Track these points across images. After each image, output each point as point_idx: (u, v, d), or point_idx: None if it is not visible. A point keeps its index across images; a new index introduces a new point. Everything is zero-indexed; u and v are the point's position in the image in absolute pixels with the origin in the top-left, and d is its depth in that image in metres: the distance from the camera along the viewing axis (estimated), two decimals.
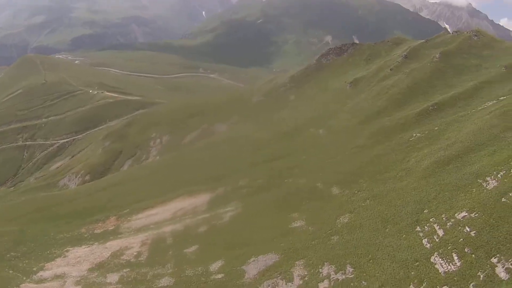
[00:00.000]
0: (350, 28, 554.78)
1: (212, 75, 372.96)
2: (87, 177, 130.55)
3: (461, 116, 58.25)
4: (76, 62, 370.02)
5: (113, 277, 54.55)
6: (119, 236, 65.71)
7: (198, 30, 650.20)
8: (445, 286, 29.27)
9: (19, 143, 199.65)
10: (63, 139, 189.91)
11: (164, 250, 54.08)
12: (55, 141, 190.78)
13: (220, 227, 54.06)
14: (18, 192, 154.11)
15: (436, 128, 57.91)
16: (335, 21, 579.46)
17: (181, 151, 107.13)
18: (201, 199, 65.64)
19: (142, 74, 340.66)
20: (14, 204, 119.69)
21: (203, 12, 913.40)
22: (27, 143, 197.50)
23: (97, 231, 71.74)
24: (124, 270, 54.34)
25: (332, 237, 41.62)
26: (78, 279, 58.65)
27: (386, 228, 39.02)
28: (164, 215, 65.02)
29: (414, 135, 59.13)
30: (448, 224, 34.40)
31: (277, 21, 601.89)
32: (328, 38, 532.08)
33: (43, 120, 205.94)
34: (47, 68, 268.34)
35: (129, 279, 52.19)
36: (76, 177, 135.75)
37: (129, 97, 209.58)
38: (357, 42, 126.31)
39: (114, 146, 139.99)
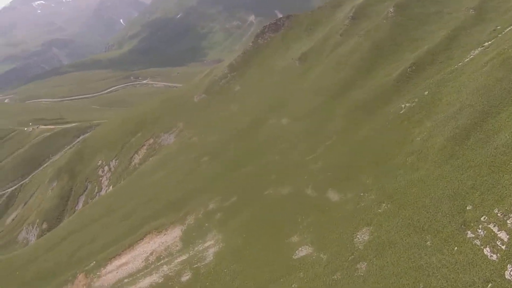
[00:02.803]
0: (271, 3, 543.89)
1: (144, 81, 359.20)
2: (44, 225, 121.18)
3: (449, 73, 48.49)
4: (6, 101, 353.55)
5: None
6: None
7: (121, 39, 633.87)
8: None
9: None
10: (10, 187, 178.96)
11: None
12: (3, 191, 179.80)
13: (206, 272, 43.35)
14: None
15: (426, 92, 47.77)
16: None
17: (133, 176, 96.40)
18: (172, 235, 55.04)
19: (75, 97, 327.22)
20: None
21: (121, 20, 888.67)
22: None
23: None
24: None
25: (358, 265, 30.66)
26: None
27: (426, 241, 28.51)
28: (136, 263, 54.70)
29: (403, 105, 48.62)
30: (508, 221, 24.86)
31: (196, 12, 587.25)
32: (251, 18, 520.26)
33: None
34: None
35: None
36: (33, 227, 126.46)
37: (66, 125, 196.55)
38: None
39: (62, 185, 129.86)
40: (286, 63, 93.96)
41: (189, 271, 45.24)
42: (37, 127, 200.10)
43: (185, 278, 44.69)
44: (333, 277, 31.27)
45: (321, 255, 34.59)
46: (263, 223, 44.97)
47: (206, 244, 47.63)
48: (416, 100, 47.62)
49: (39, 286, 72.32)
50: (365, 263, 30.38)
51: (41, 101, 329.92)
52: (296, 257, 36.65)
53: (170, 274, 46.96)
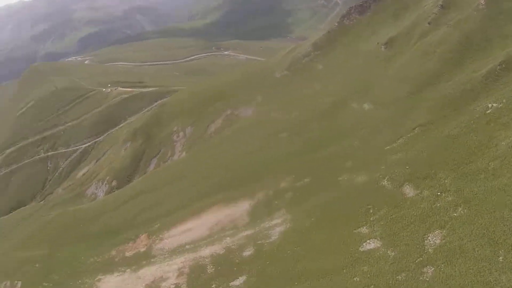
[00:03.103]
0: None
1: (226, 53, 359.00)
2: (114, 183, 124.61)
3: None
4: (86, 62, 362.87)
5: None
6: (152, 260, 57.22)
7: (204, 9, 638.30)
8: None
9: (41, 155, 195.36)
10: (85, 143, 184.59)
11: (205, 283, 44.66)
12: (77, 147, 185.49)
13: (270, 250, 42.72)
14: (48, 206, 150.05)
15: None
16: None
17: (207, 144, 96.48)
18: (240, 208, 54.71)
19: (155, 63, 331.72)
20: (42, 224, 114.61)
21: None
22: (49, 153, 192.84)
23: (128, 253, 63.85)
24: None
25: (425, 269, 28.78)
26: None
27: (498, 256, 26.19)
28: (200, 231, 55.32)
29: (490, 105, 44.43)
30: None
31: None
32: None
33: (61, 127, 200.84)
34: (56, 74, 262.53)
35: None
36: (103, 184, 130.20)
37: (145, 89, 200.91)
38: None
39: (136, 146, 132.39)
40: (371, 47, 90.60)
41: (252, 246, 44.97)
42: (116, 89, 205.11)
43: (247, 253, 44.56)
44: (397, 277, 29.83)
45: (389, 252, 32.98)
46: (333, 209, 43.59)
47: (273, 222, 46.75)
48: (504, 101, 43.86)
49: (102, 241, 74.83)
50: (432, 268, 28.65)
51: (120, 64, 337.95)
52: (363, 249, 35.20)
53: (233, 247, 46.68)
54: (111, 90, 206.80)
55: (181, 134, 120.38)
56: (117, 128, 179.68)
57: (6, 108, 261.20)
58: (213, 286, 43.24)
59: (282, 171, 57.83)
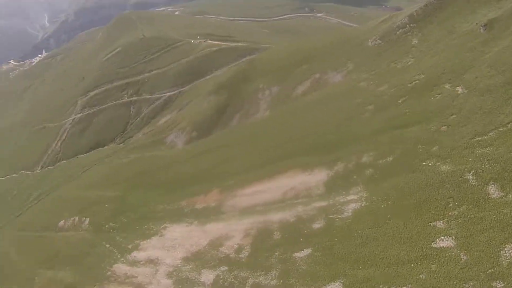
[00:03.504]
0: None
1: (319, 15, 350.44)
2: (194, 134, 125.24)
3: None
4: (176, 13, 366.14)
5: (208, 275, 45.65)
6: (221, 216, 56.75)
7: None
8: None
9: (124, 100, 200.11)
10: (169, 92, 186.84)
11: (269, 249, 43.19)
12: (161, 95, 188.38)
13: (340, 227, 40.11)
14: (127, 149, 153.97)
15: None
16: None
17: (292, 106, 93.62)
18: (316, 177, 51.54)
19: (245, 19, 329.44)
20: (118, 166, 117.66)
21: None
22: (133, 98, 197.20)
23: (198, 206, 63.82)
24: (221, 268, 45.03)
25: (494, 283, 25.95)
26: (171, 269, 51.90)
27: None
28: (273, 194, 53.22)
29: None
30: None
31: None
32: None
33: (146, 74, 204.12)
34: (144, 23, 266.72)
35: (225, 284, 42.71)
36: (182, 133, 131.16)
37: (234, 44, 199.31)
38: None
39: (220, 99, 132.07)
40: (469, 27, 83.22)
41: (323, 219, 42.46)
42: (204, 41, 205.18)
43: (316, 225, 42.11)
44: (464, 284, 27.21)
45: (461, 255, 29.82)
46: (412, 195, 39.54)
47: (349, 198, 43.80)
48: None
49: (174, 190, 75.37)
50: (502, 284, 25.76)
51: (210, 17, 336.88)
52: (435, 245, 32.06)
53: (304, 216, 44.55)
54: (199, 42, 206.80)
55: (266, 92, 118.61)
56: (202, 79, 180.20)
57: (94, 52, 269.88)
58: (277, 253, 41.77)
59: (366, 145, 54.25)
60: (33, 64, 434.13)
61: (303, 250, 39.89)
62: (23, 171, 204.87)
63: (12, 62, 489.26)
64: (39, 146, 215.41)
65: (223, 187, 63.46)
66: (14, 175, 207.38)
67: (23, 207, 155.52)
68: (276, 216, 47.51)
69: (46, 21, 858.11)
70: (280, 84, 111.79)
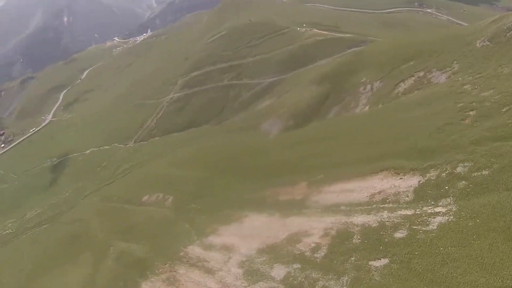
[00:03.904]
0: None
1: (428, 10, 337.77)
2: (291, 122, 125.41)
3: None
4: (284, 0, 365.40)
5: (279, 271, 44.47)
6: (303, 211, 54.67)
7: None
8: None
9: (224, 83, 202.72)
10: (270, 78, 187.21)
11: (346, 253, 40.79)
12: (262, 81, 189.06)
13: (422, 240, 36.67)
14: (220, 131, 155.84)
15: None
16: None
17: (392, 104, 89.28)
18: (408, 182, 47.87)
19: (352, 9, 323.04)
20: (209, 148, 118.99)
21: None
22: (233, 82, 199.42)
23: (282, 197, 62.63)
24: (294, 266, 43.56)
25: None
26: (244, 259, 51.20)
27: None
28: (360, 195, 50.37)
29: None
30: None
31: None
32: None
33: (249, 59, 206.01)
34: (251, 8, 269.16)
35: (295, 282, 41.13)
36: (279, 121, 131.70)
37: (340, 35, 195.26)
38: None
39: (321, 90, 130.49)
40: None
41: (406, 229, 39.23)
42: (311, 30, 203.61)
43: (399, 235, 39.01)
44: None
45: None
46: (502, 216, 34.84)
47: (436, 209, 40.06)
48: None
49: (260, 178, 75.18)
50: None
51: (319, 6, 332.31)
52: None
53: (387, 223, 41.61)
54: (305, 30, 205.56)
55: (368, 87, 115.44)
56: (305, 68, 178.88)
57: (199, 34, 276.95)
58: (353, 258, 39.37)
59: (462, 154, 50.10)
60: (137, 42, 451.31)
61: (380, 259, 37.31)
62: (116, 144, 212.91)
63: (117, 39, 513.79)
64: (135, 121, 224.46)
65: (311, 181, 61.45)
66: (106, 147, 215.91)
67: (110, 179, 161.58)
68: (359, 219, 45.11)
69: (153, 1, 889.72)
70: (383, 80, 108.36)
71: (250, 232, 57.53)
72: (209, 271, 53.65)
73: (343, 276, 37.96)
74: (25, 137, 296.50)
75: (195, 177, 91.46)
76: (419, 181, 46.16)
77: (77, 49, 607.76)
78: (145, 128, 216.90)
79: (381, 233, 40.54)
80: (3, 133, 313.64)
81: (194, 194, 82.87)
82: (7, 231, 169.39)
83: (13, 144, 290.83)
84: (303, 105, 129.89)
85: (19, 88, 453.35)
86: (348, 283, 36.93)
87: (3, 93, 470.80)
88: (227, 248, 56.61)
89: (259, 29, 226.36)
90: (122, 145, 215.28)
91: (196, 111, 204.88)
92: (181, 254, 61.86)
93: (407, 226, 39.57)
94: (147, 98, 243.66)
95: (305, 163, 70.53)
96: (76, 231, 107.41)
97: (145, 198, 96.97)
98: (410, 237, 37.85)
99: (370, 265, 37.31)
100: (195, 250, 61.04)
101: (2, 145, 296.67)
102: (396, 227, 40.35)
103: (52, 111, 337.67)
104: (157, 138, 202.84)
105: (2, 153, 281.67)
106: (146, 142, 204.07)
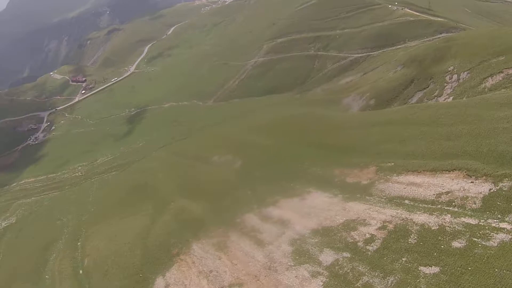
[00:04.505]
0: None
1: None
2: (372, 101, 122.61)
3: None
4: None
5: (327, 256, 44.38)
6: (366, 198, 53.76)
7: None
8: None
9: (310, 53, 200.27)
10: (357, 53, 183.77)
11: (398, 251, 39.71)
12: (349, 55, 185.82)
13: (479, 255, 34.54)
14: (301, 101, 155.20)
15: None
16: None
17: (476, 98, 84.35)
18: (478, 188, 44.73)
19: None
20: (285, 117, 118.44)
21: None
22: (319, 53, 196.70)
23: (349, 179, 61.52)
24: (344, 254, 43.27)
25: None
26: (296, 237, 51.26)
27: None
28: (427, 191, 48.37)
29: None
30: None
31: None
32: None
33: (338, 32, 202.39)
34: None
35: (340, 271, 40.80)
36: (360, 98, 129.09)
37: (432, 18, 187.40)
38: None
39: (406, 72, 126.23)
40: None
41: (465, 240, 37.12)
42: (403, 9, 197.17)
43: (456, 244, 37.08)
44: None
45: None
46: None
47: (501, 225, 37.02)
48: None
49: (330, 155, 73.89)
50: None
51: None
52: None
53: (447, 228, 39.63)
54: (397, 8, 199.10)
55: (454, 76, 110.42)
56: (393, 48, 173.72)
57: (289, 1, 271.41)
58: (404, 259, 38.18)
59: None
60: (226, 3, 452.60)
61: (431, 266, 35.79)
62: (195, 101, 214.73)
63: None
64: (217, 81, 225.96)
65: (380, 167, 59.78)
66: (185, 102, 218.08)
67: (185, 135, 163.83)
68: (420, 217, 43.29)
69: None
70: (471, 71, 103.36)
71: (309, 210, 56.87)
72: (260, 243, 53.85)
73: (389, 276, 36.91)
74: (106, 85, 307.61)
75: (267, 145, 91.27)
76: (490, 189, 43.07)
77: (166, 5, 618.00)
78: (226, 89, 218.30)
79: (439, 238, 38.61)
80: (85, 79, 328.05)
81: (262, 162, 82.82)
82: (77, 173, 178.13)
83: (94, 91, 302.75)
84: (386, 86, 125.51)
85: (104, 39, 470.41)
86: (393, 284, 35.86)
87: (89, 42, 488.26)
88: (282, 223, 56.53)
89: (351, 2, 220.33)
90: (201, 103, 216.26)
91: (279, 77, 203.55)
92: (238, 220, 62.50)
93: (467, 236, 37.38)
94: (232, 59, 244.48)
95: (378, 146, 67.62)
96: (142, 181, 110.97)
97: (215, 158, 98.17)
98: (468, 249, 35.84)
99: (420, 270, 35.96)
100: (252, 219, 61.48)
101: (83, 91, 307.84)
102: (455, 234, 38.23)
103: (136, 63, 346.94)
104: (236, 100, 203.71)
105: (82, 99, 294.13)
106: (225, 103, 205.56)
